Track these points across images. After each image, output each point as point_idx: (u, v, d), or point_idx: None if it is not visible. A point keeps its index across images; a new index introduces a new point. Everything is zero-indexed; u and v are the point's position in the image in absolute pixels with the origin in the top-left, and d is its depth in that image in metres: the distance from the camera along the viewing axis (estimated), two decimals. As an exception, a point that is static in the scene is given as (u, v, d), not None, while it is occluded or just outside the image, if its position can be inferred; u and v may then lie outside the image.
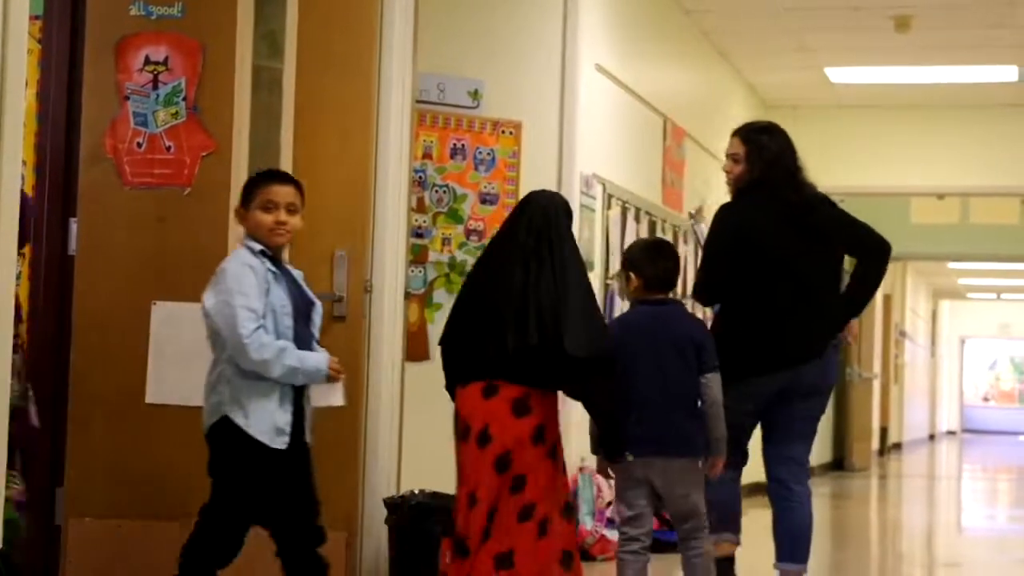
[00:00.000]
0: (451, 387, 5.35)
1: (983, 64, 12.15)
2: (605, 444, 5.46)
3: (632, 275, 5.67)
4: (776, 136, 6.47)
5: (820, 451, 14.90)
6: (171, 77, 6.02)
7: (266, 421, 4.98)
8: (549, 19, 8.15)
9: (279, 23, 6.02)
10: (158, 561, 5.78)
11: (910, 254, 20.14)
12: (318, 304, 5.22)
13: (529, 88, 8.11)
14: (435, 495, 6.02)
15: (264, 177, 5.19)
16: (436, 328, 7.72)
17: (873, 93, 13.41)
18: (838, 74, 12.60)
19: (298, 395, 5.07)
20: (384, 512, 5.89)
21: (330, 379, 5.07)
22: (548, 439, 5.19)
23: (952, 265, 24.46)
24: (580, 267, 5.40)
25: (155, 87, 6.03)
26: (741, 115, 12.96)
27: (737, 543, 6.37)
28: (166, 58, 6.03)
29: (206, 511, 5.06)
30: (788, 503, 6.25)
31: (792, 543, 6.22)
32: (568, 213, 5.51)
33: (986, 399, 40.02)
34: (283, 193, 5.10)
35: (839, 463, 17.43)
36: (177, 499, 5.85)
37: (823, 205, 6.50)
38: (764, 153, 6.35)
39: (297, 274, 5.21)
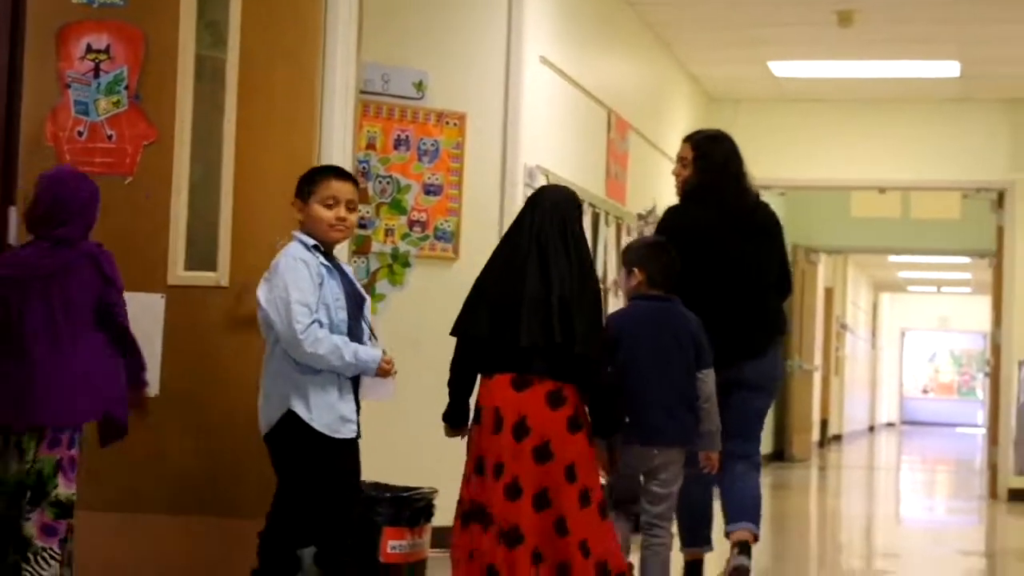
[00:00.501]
0: (463, 376, 5.38)
1: (925, 59, 12.22)
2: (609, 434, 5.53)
3: (636, 271, 5.94)
4: (723, 144, 6.76)
5: (761, 442, 14.98)
6: (113, 66, 6.00)
7: (329, 413, 5.14)
8: (494, 11, 8.15)
9: (222, 12, 6.00)
10: (94, 551, 5.78)
11: (851, 247, 20.30)
12: (368, 299, 5.38)
13: (473, 79, 8.11)
14: (378, 485, 6.02)
15: (325, 172, 5.33)
16: (378, 319, 7.72)
17: (816, 87, 13.47)
18: (781, 68, 12.65)
19: (355, 386, 5.25)
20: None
21: (382, 374, 5.20)
22: (583, 427, 5.28)
23: (893, 258, 24.62)
24: (591, 261, 5.53)
25: (97, 76, 6.00)
26: (685, 108, 13.01)
27: (709, 549, 6.64)
28: (108, 46, 6.00)
29: (279, 507, 5.24)
30: (731, 486, 6.51)
31: (735, 508, 6.46)
32: (579, 207, 5.60)
33: (925, 391, 40.33)
34: (345, 190, 5.27)
35: (780, 454, 17.53)
36: (116, 489, 5.84)
37: (766, 216, 6.72)
38: (710, 160, 6.61)
39: (347, 269, 5.36)
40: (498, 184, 8.08)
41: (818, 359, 19.94)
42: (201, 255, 5.92)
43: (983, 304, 22.37)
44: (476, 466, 5.26)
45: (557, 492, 5.18)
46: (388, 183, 7.79)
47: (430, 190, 7.86)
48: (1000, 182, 13.50)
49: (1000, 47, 11.73)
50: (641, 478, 5.88)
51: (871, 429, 31.71)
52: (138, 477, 5.84)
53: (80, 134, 5.98)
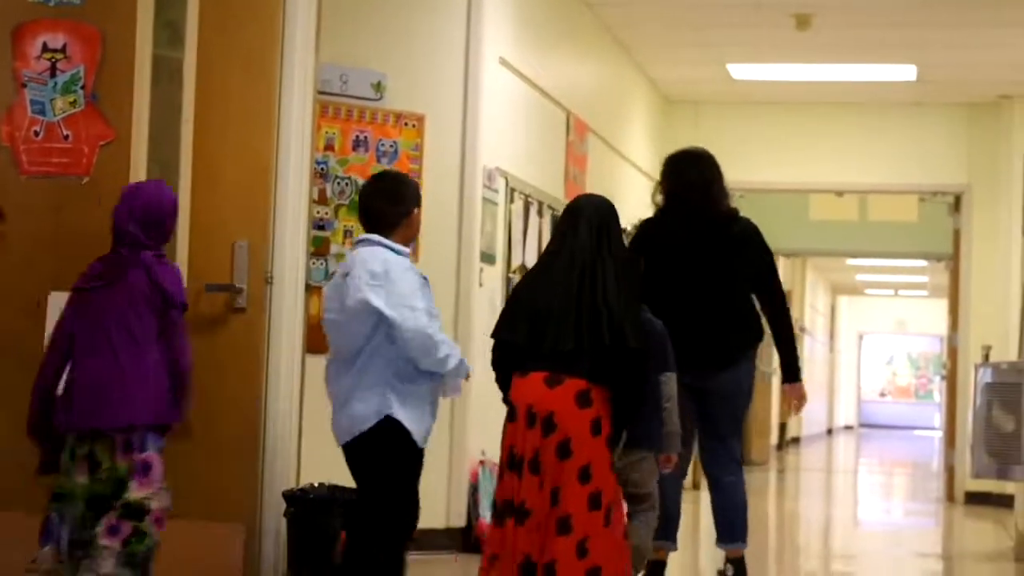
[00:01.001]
0: (504, 378, 5.48)
1: (882, 63, 12.28)
2: (651, 438, 5.72)
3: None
4: (690, 159, 6.95)
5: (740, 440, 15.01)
6: (70, 65, 5.96)
7: (422, 424, 5.40)
8: (453, 12, 8.15)
9: (180, 11, 5.97)
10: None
11: (809, 250, 20.35)
12: None
13: (432, 81, 8.11)
14: (335, 488, 6.00)
15: None
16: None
17: (774, 90, 13.51)
18: (739, 70, 12.69)
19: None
20: (283, 505, 5.86)
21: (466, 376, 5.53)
22: (603, 431, 5.32)
23: (850, 261, 24.72)
24: (631, 266, 5.65)
25: (53, 75, 5.96)
26: (644, 110, 13.04)
27: (673, 548, 6.81)
28: (64, 45, 5.96)
29: (369, 513, 5.39)
30: (720, 494, 6.80)
31: (727, 526, 6.78)
32: (617, 215, 5.66)
33: (883, 394, 40.49)
34: None
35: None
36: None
37: (743, 229, 6.89)
38: (676, 175, 6.85)
39: None
40: (457, 185, 8.07)
41: (776, 362, 19.99)
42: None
43: (940, 307, 22.51)
44: (509, 462, 5.34)
45: (567, 491, 5.21)
46: (347, 184, 7.77)
47: (389, 191, 7.83)
48: (957, 186, 13.57)
49: (957, 51, 11.80)
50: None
51: (829, 432, 31.83)
52: (30, 475, 5.79)
53: (36, 134, 5.94)
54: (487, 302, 8.19)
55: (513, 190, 8.78)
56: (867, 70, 12.50)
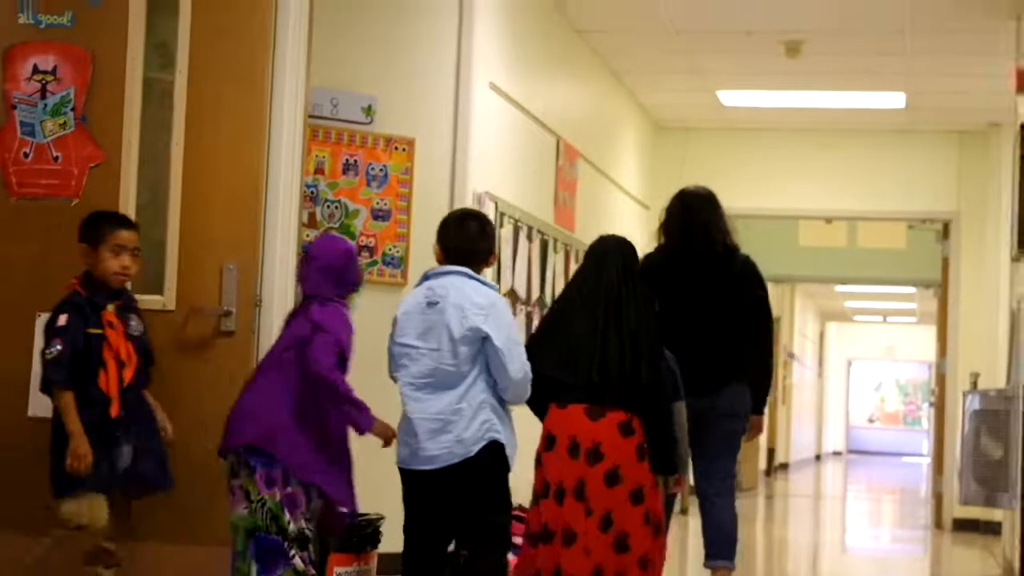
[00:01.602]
0: (539, 408, 5.79)
1: (872, 90, 12.31)
2: (668, 463, 5.82)
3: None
4: (690, 197, 7.29)
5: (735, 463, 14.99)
6: (60, 87, 5.96)
7: (514, 445, 5.60)
8: (443, 37, 8.16)
9: (171, 34, 5.97)
10: (39, 576, 5.73)
11: (798, 276, 20.38)
12: None
13: (423, 105, 8.11)
14: (321, 509, 5.98)
15: None
16: (326, 344, 7.69)
17: (764, 117, 13.54)
18: (730, 97, 12.72)
19: None
20: (270, 527, 5.84)
21: None
22: (646, 456, 5.68)
23: (839, 288, 24.75)
24: (651, 300, 6.01)
25: (43, 96, 5.96)
26: (634, 136, 13.06)
27: (732, 568, 6.99)
28: (55, 67, 5.97)
29: (490, 535, 5.56)
30: (710, 511, 6.99)
31: (714, 543, 6.93)
32: (635, 253, 6.07)
33: (871, 420, 40.50)
34: None
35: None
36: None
37: (743, 265, 7.15)
38: (674, 212, 7.18)
39: None
40: (447, 210, 8.02)
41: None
42: (148, 278, 5.88)
43: (929, 334, 22.53)
44: (546, 490, 5.66)
45: (622, 514, 5.60)
46: (336, 208, 7.77)
47: (379, 215, 7.85)
48: (946, 213, 13.60)
49: (946, 79, 11.83)
50: None
51: (818, 458, 31.83)
52: (13, 497, 5.79)
53: (26, 155, 5.94)
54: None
55: (503, 214, 8.78)
56: (857, 97, 12.54)
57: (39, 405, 5.78)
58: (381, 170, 7.87)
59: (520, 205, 9.15)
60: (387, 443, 5.54)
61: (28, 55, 5.98)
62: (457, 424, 5.49)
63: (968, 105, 12.63)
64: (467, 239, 5.70)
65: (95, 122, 5.93)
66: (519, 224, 9.12)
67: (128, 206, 5.90)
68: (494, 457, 5.52)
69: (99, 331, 5.34)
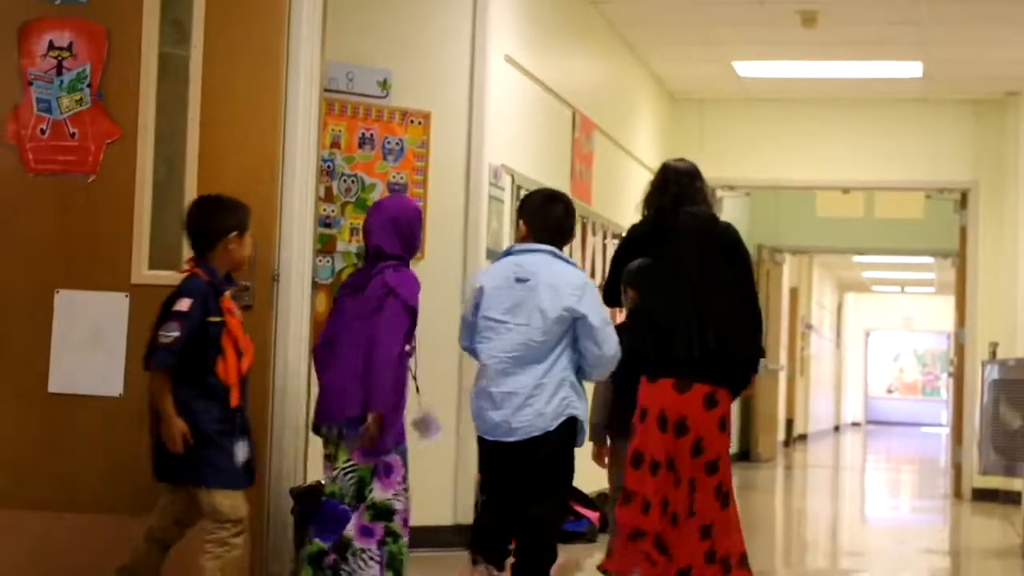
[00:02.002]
0: (627, 380, 6.12)
1: (888, 60, 12.27)
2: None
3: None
4: (665, 169, 6.89)
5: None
6: (76, 63, 5.96)
7: (587, 421, 5.83)
8: (458, 10, 8.15)
9: (186, 9, 5.97)
10: (56, 551, 5.75)
11: (816, 247, 20.34)
12: None
13: (438, 78, 8.10)
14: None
15: None
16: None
17: (780, 87, 13.50)
18: (745, 68, 12.68)
19: None
20: (290, 501, 5.86)
21: None
22: (727, 428, 6.07)
23: (857, 258, 24.70)
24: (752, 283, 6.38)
25: (59, 73, 5.96)
26: (650, 108, 13.03)
27: None
28: (70, 44, 5.96)
29: (551, 506, 5.78)
30: None
31: None
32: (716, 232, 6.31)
33: (890, 391, 40.47)
34: None
35: (745, 454, 17.56)
36: (78, 489, 5.81)
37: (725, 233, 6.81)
38: (654, 183, 6.84)
39: None
40: (463, 183, 8.07)
41: (783, 359, 20.00)
42: (165, 254, 5.89)
43: (947, 304, 22.49)
44: (639, 460, 6.00)
45: (700, 483, 5.97)
46: (353, 182, 7.77)
47: (395, 189, 7.85)
48: (963, 182, 13.56)
49: (963, 48, 11.78)
50: None
51: (836, 429, 31.81)
52: (100, 478, 5.81)
53: (43, 132, 5.94)
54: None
55: (519, 187, 8.78)
56: (873, 67, 12.49)
57: (59, 381, 5.81)
58: (397, 143, 7.87)
59: (536, 177, 9.14)
60: (371, 442, 5.47)
61: (44, 31, 5.98)
62: (539, 399, 5.67)
63: (985, 74, 12.58)
64: (555, 220, 5.90)
65: (111, 98, 5.93)
66: (535, 197, 9.10)
67: (145, 182, 5.91)
68: (568, 432, 5.70)
69: (219, 319, 5.30)
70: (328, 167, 7.59)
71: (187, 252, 5.84)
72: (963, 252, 13.80)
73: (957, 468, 13.75)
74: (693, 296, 6.07)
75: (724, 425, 6.06)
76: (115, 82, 5.93)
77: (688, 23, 11.27)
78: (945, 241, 15.74)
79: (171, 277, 5.82)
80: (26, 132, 5.95)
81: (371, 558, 5.48)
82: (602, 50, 11.28)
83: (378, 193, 7.79)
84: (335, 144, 7.71)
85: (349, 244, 7.74)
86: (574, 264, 5.93)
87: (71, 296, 5.86)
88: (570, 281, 5.73)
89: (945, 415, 31.55)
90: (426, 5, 8.11)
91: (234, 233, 5.41)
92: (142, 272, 5.87)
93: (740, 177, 14.05)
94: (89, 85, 5.94)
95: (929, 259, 22.43)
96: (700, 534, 5.94)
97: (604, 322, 5.73)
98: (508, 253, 5.96)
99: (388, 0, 8.01)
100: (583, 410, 5.78)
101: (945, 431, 27.30)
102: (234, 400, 5.30)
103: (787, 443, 21.87)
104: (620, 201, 11.59)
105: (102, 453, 5.80)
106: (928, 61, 12.16)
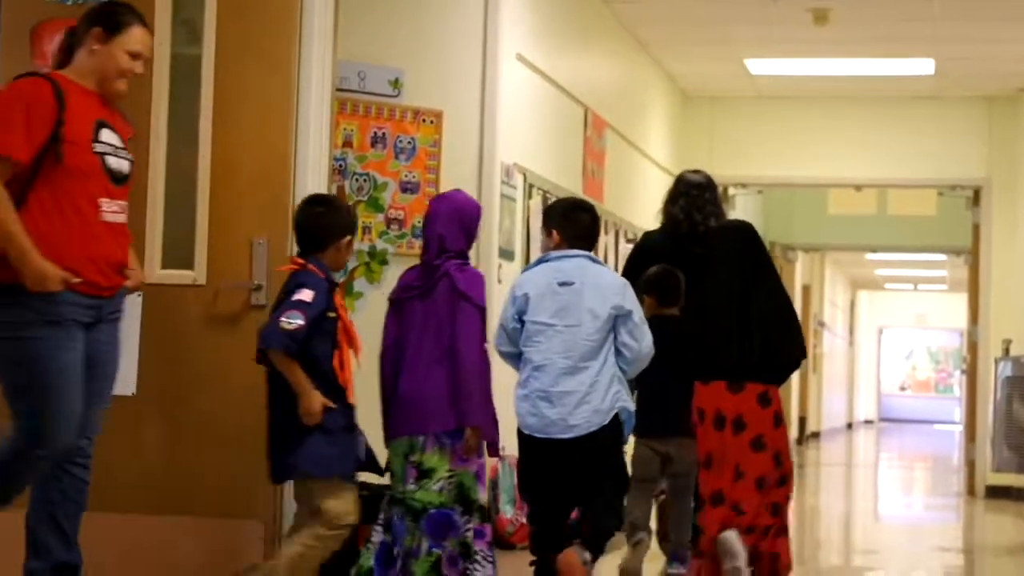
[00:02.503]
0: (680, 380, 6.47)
1: (900, 57, 12.25)
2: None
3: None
4: (677, 182, 7.48)
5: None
6: (88, 63, 5.95)
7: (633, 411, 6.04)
8: (470, 8, 8.15)
9: (198, 10, 5.98)
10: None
11: (828, 245, 20.34)
12: None
13: (450, 77, 8.10)
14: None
15: None
16: (356, 317, 7.69)
17: (792, 85, 13.49)
18: (757, 65, 12.67)
19: None
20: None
21: None
22: (783, 423, 6.49)
23: (870, 256, 24.67)
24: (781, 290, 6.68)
25: (72, 73, 5.96)
26: (662, 106, 13.03)
27: None
28: (83, 44, 5.96)
29: (607, 497, 5.93)
30: None
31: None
32: (758, 237, 6.65)
33: (903, 388, 40.44)
34: None
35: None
36: (92, 488, 5.81)
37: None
38: (676, 198, 7.37)
39: None
40: (475, 181, 8.07)
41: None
42: (178, 253, 5.91)
43: (960, 301, 22.45)
44: (706, 461, 6.39)
45: (767, 477, 6.34)
46: (365, 181, 7.78)
47: (407, 188, 7.85)
48: (976, 179, 13.54)
49: (975, 45, 11.77)
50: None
51: (849, 426, 31.79)
52: (115, 476, 5.82)
53: (55, 132, 5.94)
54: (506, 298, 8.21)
55: (531, 186, 8.78)
56: (885, 64, 12.48)
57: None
58: (409, 142, 7.88)
59: (548, 176, 9.14)
60: (472, 453, 5.69)
61: (56, 32, 5.96)
62: (595, 395, 5.85)
63: (998, 70, 12.57)
64: (585, 227, 6.12)
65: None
66: (548, 195, 9.11)
67: (157, 181, 5.92)
68: (617, 424, 5.93)
69: (335, 315, 5.37)
70: (340, 166, 7.60)
71: (201, 251, 5.86)
72: (976, 249, 13.78)
73: (970, 465, 13.74)
74: (736, 300, 6.39)
75: (779, 421, 6.43)
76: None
77: (700, 21, 11.26)
78: (958, 238, 15.73)
79: (184, 276, 5.85)
80: (39, 132, 5.94)
81: (485, 558, 5.65)
82: (614, 48, 11.27)
83: (390, 192, 7.80)
84: (347, 143, 7.72)
85: (361, 243, 7.74)
86: (607, 266, 6.11)
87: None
88: (611, 282, 6.04)
89: (958, 412, 31.52)
90: (437, 4, 8.12)
91: (348, 236, 5.51)
92: (155, 272, 5.89)
93: (752, 175, 14.05)
94: (101, 85, 5.94)
95: (942, 256, 22.41)
96: (771, 511, 6.34)
97: (643, 319, 5.98)
98: (543, 260, 6.10)
99: (399, 0, 8.01)
100: (631, 403, 5.99)
101: (958, 428, 27.27)
102: (350, 396, 5.39)
103: (800, 441, 21.86)
104: (632, 199, 11.60)
105: (116, 452, 5.80)
106: (940, 58, 12.15)
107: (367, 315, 7.68)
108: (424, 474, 5.59)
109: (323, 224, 5.49)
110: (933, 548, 10.28)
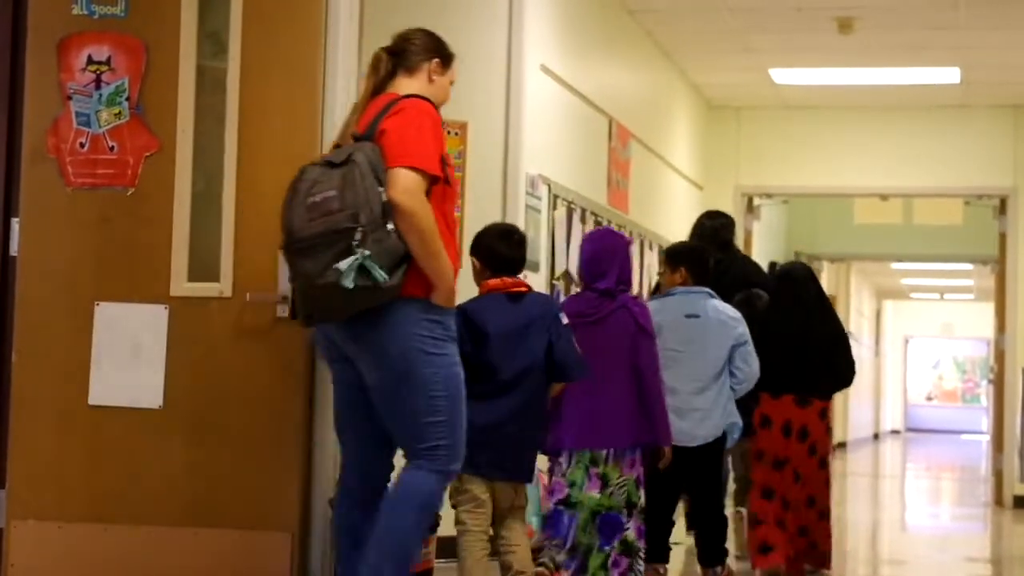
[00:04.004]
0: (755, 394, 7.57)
1: (925, 66, 12.23)
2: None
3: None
4: (712, 219, 9.08)
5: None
6: (114, 77, 5.98)
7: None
8: (494, 20, 8.15)
9: (223, 22, 5.98)
10: (100, 563, 5.77)
11: (854, 254, 20.28)
12: None
13: (474, 89, 8.09)
14: (381, 495, 6.00)
15: None
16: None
17: (817, 94, 13.48)
18: (782, 75, 12.66)
19: None
20: (330, 513, 5.86)
21: None
22: (831, 431, 8.12)
23: (896, 265, 24.61)
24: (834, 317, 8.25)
25: (98, 87, 5.99)
26: (686, 116, 13.02)
27: None
28: (109, 58, 5.99)
29: (715, 505, 7.33)
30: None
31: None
32: (816, 278, 8.35)
33: (929, 398, 40.29)
34: None
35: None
36: (121, 501, 5.83)
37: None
38: (698, 230, 8.94)
39: None
40: (500, 193, 8.07)
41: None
42: (204, 266, 5.91)
43: (986, 311, 22.38)
44: (761, 456, 7.82)
45: (814, 477, 7.92)
46: (390, 193, 7.76)
47: (432, 199, 7.83)
48: (1002, 188, 13.51)
49: (1000, 53, 11.74)
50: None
51: (876, 436, 31.68)
52: (142, 488, 5.83)
53: (82, 145, 5.97)
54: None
55: (556, 197, 8.78)
56: (910, 73, 12.46)
57: (99, 394, 5.84)
58: (434, 154, 7.86)
59: (573, 187, 9.14)
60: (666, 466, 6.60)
61: (83, 46, 6.01)
62: (716, 412, 7.06)
63: (1023, 78, 12.52)
64: (711, 270, 7.34)
65: (150, 111, 5.96)
66: (572, 206, 9.11)
67: (183, 194, 5.93)
68: (722, 443, 7.21)
69: None
70: (365, 178, 7.58)
71: (227, 263, 5.85)
72: (1002, 258, 13.74)
73: (998, 476, 13.68)
74: (805, 329, 7.81)
75: (830, 431, 8.05)
76: (153, 95, 5.96)
77: (725, 31, 11.26)
78: (984, 247, 15.68)
79: (211, 289, 5.85)
80: (65, 146, 5.97)
81: (641, 555, 6.42)
82: (638, 59, 11.27)
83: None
84: (372, 155, 7.70)
85: (387, 255, 7.73)
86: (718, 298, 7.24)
87: (111, 309, 5.88)
88: (731, 315, 7.16)
89: (985, 422, 31.41)
90: (461, 16, 8.12)
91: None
92: (181, 284, 5.89)
93: (777, 185, 14.02)
94: (128, 99, 5.97)
95: (968, 265, 22.33)
96: (818, 515, 7.99)
97: (752, 347, 7.12)
98: (669, 294, 7.21)
99: (423, 11, 8.00)
100: (739, 418, 7.17)
101: (985, 438, 27.17)
102: None
103: (827, 451, 21.74)
104: (657, 210, 11.59)
105: (143, 464, 5.82)
106: (966, 66, 12.12)
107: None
108: (605, 482, 6.30)
109: (521, 256, 6.13)
110: (961, 558, 10.24)
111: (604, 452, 6.29)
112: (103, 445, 5.85)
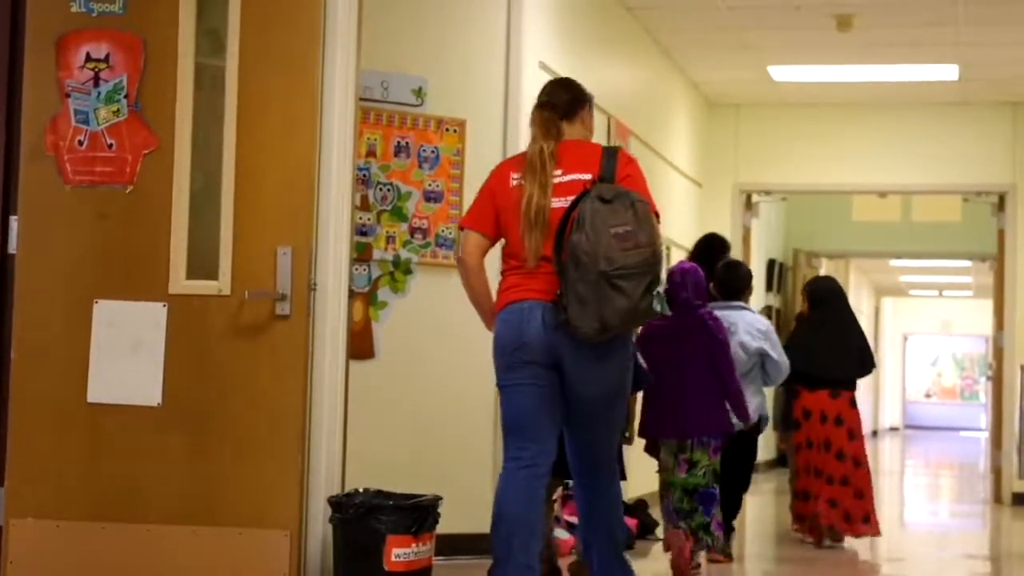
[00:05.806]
0: (792, 388, 9.53)
1: (924, 63, 12.23)
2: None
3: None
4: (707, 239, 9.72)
5: (765, 447, 14.96)
6: (112, 74, 5.98)
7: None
8: (493, 17, 8.15)
9: (222, 20, 5.98)
10: (99, 561, 5.77)
11: (852, 252, 20.28)
12: None
13: (473, 86, 8.10)
14: (380, 493, 5.99)
15: None
16: (380, 326, 7.71)
17: (815, 91, 13.47)
18: (781, 72, 12.66)
19: None
20: (329, 511, 5.86)
21: None
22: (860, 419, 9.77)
23: (894, 263, 24.60)
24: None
25: (96, 84, 5.98)
26: (685, 114, 13.01)
27: None
28: (107, 55, 5.98)
29: (738, 480, 8.59)
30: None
31: None
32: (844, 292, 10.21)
33: (928, 395, 40.29)
34: None
35: (783, 459, 17.48)
36: (119, 499, 5.83)
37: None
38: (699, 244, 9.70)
39: None
40: (499, 190, 8.04)
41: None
42: (202, 264, 5.90)
43: (985, 308, 22.36)
44: (808, 444, 9.51)
45: (857, 458, 9.55)
46: (389, 190, 7.79)
47: (431, 197, 7.86)
48: (1001, 185, 13.51)
49: (998, 49, 11.74)
50: None
51: (874, 434, 31.67)
52: (140, 487, 5.83)
53: (80, 143, 5.97)
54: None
55: (555, 194, 8.75)
56: (909, 70, 12.46)
57: (98, 391, 5.83)
58: (433, 151, 7.88)
59: (572, 184, 9.11)
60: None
61: (81, 43, 6.00)
62: (752, 404, 8.04)
63: (1023, 75, 12.52)
64: (744, 284, 8.71)
65: (148, 109, 5.95)
66: (571, 203, 9.09)
67: (182, 192, 5.92)
68: (755, 432, 8.57)
69: None
70: (364, 176, 7.60)
71: (225, 261, 5.85)
72: (1001, 255, 13.74)
73: (997, 473, 13.69)
74: (838, 333, 9.52)
75: (859, 419, 9.63)
76: (152, 93, 5.95)
77: (724, 28, 11.25)
78: (983, 244, 15.68)
79: (209, 287, 5.84)
80: (64, 143, 5.97)
81: (720, 522, 7.82)
82: (637, 56, 11.26)
83: (414, 202, 7.81)
84: (371, 153, 7.73)
85: (385, 252, 7.76)
86: (753, 311, 8.66)
87: (110, 306, 5.88)
88: (759, 327, 8.43)
89: (984, 419, 31.40)
90: (460, 13, 8.12)
91: None
92: (180, 282, 5.89)
93: (776, 182, 14.03)
94: (126, 96, 5.97)
95: (967, 263, 22.33)
96: (854, 493, 9.54)
97: (781, 353, 8.43)
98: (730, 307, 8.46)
99: (423, 8, 8.01)
100: (768, 411, 8.71)
101: (984, 435, 27.16)
102: None
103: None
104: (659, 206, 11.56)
105: (142, 463, 5.82)
106: (964, 63, 12.12)
107: (392, 324, 7.70)
108: (693, 465, 7.62)
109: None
110: (959, 555, 10.24)
111: (689, 441, 7.60)
112: (102, 443, 5.84)
